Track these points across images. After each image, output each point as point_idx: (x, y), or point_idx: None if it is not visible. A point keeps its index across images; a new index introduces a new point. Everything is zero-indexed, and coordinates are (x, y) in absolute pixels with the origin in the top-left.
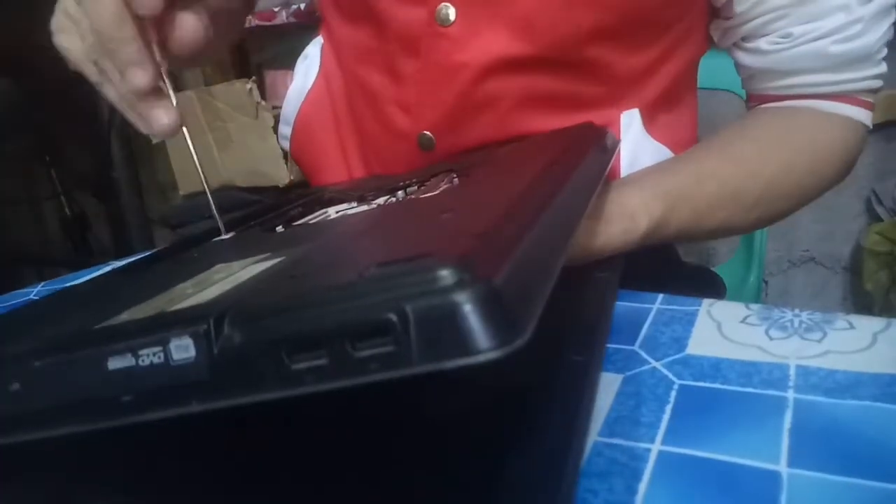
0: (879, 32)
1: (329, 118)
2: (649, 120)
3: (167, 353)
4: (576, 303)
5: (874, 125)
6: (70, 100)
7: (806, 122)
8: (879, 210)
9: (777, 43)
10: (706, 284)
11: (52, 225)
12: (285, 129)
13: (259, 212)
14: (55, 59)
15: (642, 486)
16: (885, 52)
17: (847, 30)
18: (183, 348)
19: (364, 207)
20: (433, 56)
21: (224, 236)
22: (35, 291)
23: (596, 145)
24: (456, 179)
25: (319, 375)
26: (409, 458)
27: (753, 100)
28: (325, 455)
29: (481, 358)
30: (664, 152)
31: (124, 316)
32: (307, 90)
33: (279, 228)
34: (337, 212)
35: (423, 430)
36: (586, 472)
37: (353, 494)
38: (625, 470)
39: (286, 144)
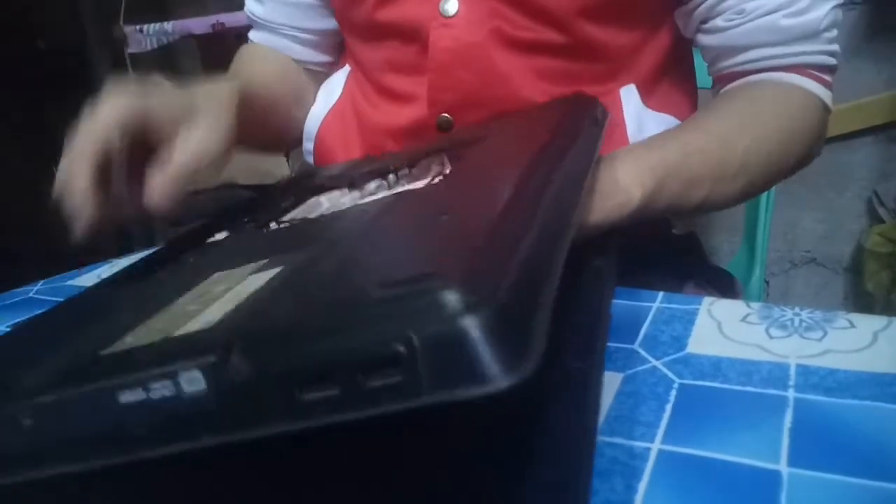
0: (824, 10)
1: (351, 131)
2: (647, 93)
3: (178, 386)
4: (573, 300)
5: (875, 127)
6: (72, 97)
7: (768, 97)
8: (881, 211)
9: (732, 20)
10: (723, 284)
11: (53, 223)
12: (308, 145)
13: (250, 204)
14: (55, 58)
15: (642, 485)
16: (834, 33)
17: (796, 4)
18: (193, 381)
19: (356, 194)
20: (443, 44)
21: (218, 236)
22: (35, 290)
23: (588, 119)
24: (447, 161)
25: (331, 407)
26: (418, 469)
27: (718, 81)
28: (334, 459)
29: (492, 388)
30: (668, 120)
31: (129, 339)
32: (329, 108)
33: (273, 225)
34: (329, 200)
35: (431, 445)
36: None
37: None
38: (625, 469)
39: (310, 159)
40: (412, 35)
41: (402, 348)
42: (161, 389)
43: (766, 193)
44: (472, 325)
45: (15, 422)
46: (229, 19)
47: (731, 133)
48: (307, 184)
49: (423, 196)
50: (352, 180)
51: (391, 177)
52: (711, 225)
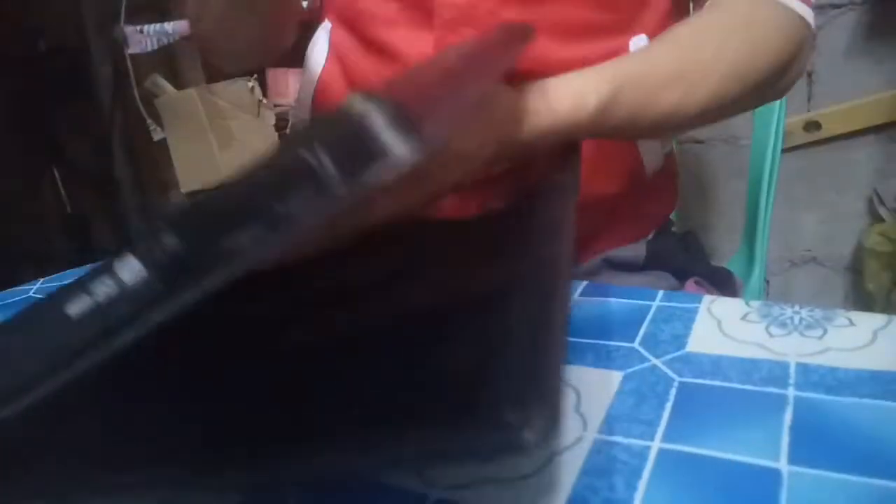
0: None
1: (345, 93)
2: None
3: (117, 279)
4: (535, 213)
5: (875, 126)
6: (72, 97)
7: (735, 8)
8: (881, 210)
9: None
10: (723, 282)
11: (54, 222)
12: (305, 115)
13: None
14: (55, 58)
15: (642, 484)
16: None
17: None
18: (129, 268)
19: None
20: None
21: None
22: (34, 289)
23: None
24: None
25: (259, 240)
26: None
27: (699, 5)
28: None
29: (394, 153)
30: None
31: None
32: (318, 74)
33: None
34: None
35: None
36: (587, 469)
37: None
38: (625, 468)
39: None
40: None
41: (307, 154)
42: (103, 286)
43: (766, 193)
44: (368, 110)
45: None
46: None
47: (693, 42)
48: None
49: None
50: None
51: None
52: (711, 224)
